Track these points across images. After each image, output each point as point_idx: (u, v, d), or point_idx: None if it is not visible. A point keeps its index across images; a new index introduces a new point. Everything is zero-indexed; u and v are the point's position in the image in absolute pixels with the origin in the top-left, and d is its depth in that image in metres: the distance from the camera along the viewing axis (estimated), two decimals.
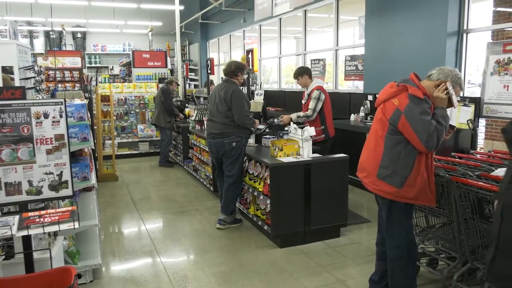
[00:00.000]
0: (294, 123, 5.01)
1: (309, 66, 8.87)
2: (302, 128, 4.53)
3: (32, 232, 2.28)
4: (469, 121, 4.22)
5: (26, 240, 2.39)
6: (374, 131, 2.86)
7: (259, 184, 4.50)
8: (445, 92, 2.70)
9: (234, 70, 4.75)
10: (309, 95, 5.34)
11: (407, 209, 2.82)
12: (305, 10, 9.18)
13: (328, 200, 4.31)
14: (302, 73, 5.39)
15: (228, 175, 4.76)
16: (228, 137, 4.64)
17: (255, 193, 4.58)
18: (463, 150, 4.14)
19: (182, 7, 11.57)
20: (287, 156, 4.35)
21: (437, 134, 2.59)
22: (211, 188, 6.23)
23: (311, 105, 5.19)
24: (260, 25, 11.28)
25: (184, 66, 14.16)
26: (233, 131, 4.64)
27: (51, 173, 2.79)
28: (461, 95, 3.24)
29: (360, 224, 4.85)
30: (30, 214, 2.48)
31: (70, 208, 2.59)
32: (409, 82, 2.72)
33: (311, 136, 4.43)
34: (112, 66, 17.13)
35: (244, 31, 12.47)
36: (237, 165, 4.71)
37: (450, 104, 2.77)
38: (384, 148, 2.74)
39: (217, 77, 13.95)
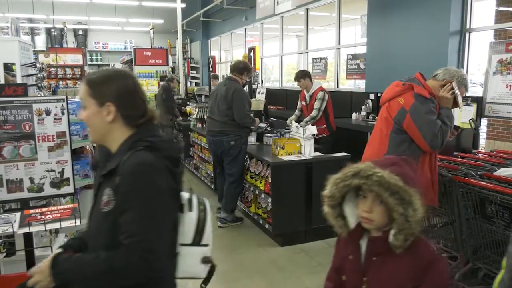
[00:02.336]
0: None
1: (311, 65, 8.88)
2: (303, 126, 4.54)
3: (33, 229, 2.28)
4: (471, 120, 4.21)
5: (28, 237, 2.38)
6: (378, 129, 2.86)
7: (261, 182, 4.49)
8: (451, 92, 2.69)
9: (242, 68, 4.76)
10: (311, 96, 5.66)
11: None
12: (307, 9, 9.16)
13: None
14: (304, 75, 5.74)
15: (228, 173, 4.76)
16: (227, 135, 4.64)
17: (256, 192, 4.57)
18: (465, 149, 4.13)
19: (183, 5, 11.56)
20: (289, 154, 4.35)
21: (442, 134, 2.59)
22: (212, 187, 6.22)
23: (317, 105, 5.54)
24: (261, 24, 11.26)
25: (186, 64, 14.14)
26: (233, 130, 4.64)
27: (52, 170, 2.79)
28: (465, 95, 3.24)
29: None
30: (32, 211, 2.48)
31: (71, 205, 2.59)
32: (415, 81, 2.71)
33: (313, 135, 4.43)
34: (114, 64, 17.09)
35: (245, 29, 12.45)
36: (237, 163, 4.70)
37: (455, 104, 2.76)
38: (388, 146, 2.74)
39: (218, 76, 13.93)
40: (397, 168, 1.33)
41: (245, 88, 7.60)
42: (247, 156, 4.87)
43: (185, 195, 1.49)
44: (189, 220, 1.45)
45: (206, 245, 1.47)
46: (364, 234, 1.42)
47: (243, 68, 4.76)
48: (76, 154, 3.64)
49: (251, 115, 4.82)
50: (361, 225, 1.40)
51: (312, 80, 5.87)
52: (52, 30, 15.94)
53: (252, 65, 8.88)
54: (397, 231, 1.30)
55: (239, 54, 12.75)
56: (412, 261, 1.33)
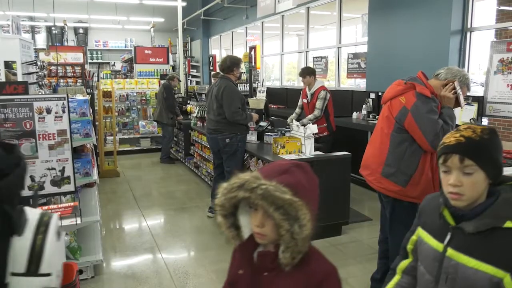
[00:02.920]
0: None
1: (312, 64, 8.88)
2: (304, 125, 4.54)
3: None
4: (472, 120, 4.21)
5: None
6: (379, 128, 2.85)
7: None
8: (453, 91, 2.68)
9: (230, 65, 4.77)
10: (313, 94, 5.67)
11: (410, 208, 2.80)
12: (308, 8, 9.15)
13: (330, 197, 4.30)
14: (311, 73, 5.76)
15: (227, 170, 4.80)
16: (221, 133, 4.70)
17: None
18: None
19: (184, 4, 11.55)
20: (289, 153, 4.35)
21: (443, 134, 2.58)
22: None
23: (319, 104, 5.54)
24: (262, 22, 11.25)
25: (186, 62, 14.14)
26: (226, 128, 4.67)
27: (53, 168, 2.79)
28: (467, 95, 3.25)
29: (362, 222, 4.84)
30: None
31: (72, 203, 2.59)
32: (417, 81, 2.70)
33: (313, 134, 4.43)
34: (114, 62, 17.08)
35: (246, 28, 12.44)
36: (235, 161, 4.73)
37: (457, 104, 2.75)
38: (390, 146, 2.73)
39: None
40: (288, 177, 1.21)
41: (243, 85, 7.74)
42: (247, 155, 4.87)
43: (28, 213, 1.24)
44: (20, 245, 1.19)
45: (47, 275, 1.21)
46: (259, 246, 1.29)
47: (231, 66, 4.78)
48: (77, 152, 3.65)
49: (247, 112, 4.84)
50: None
51: (316, 78, 5.88)
52: (53, 28, 15.93)
53: (253, 64, 8.87)
54: (284, 249, 1.19)
55: (239, 53, 12.74)
56: (304, 278, 1.23)
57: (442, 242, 1.38)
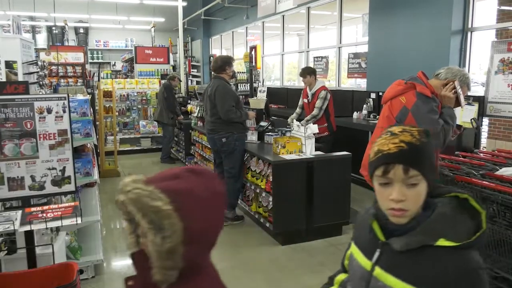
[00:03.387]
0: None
1: (312, 64, 8.88)
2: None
3: (34, 227, 2.28)
4: (472, 120, 4.21)
5: (29, 235, 2.39)
6: (380, 128, 2.86)
7: (262, 181, 4.49)
8: (453, 91, 2.69)
9: (221, 65, 4.79)
10: (314, 94, 5.64)
11: None
12: (309, 7, 9.14)
13: (330, 197, 4.30)
14: (311, 73, 5.72)
15: (226, 169, 4.83)
16: (217, 133, 4.73)
17: (257, 190, 4.57)
18: (467, 149, 4.13)
19: (185, 3, 11.54)
20: (290, 153, 4.34)
21: (444, 133, 2.58)
22: None
23: (318, 104, 5.50)
24: (263, 22, 11.25)
25: (187, 62, 14.14)
26: (222, 127, 4.70)
27: (54, 168, 2.79)
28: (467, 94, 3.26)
29: None
30: (33, 209, 2.48)
31: (72, 203, 2.59)
32: (417, 80, 2.70)
33: (314, 134, 4.43)
34: (115, 62, 17.08)
35: (246, 28, 12.44)
36: (233, 160, 4.74)
37: (458, 103, 2.76)
38: None
39: None
40: (174, 183, 1.06)
41: (239, 85, 7.73)
42: (248, 155, 4.87)
43: None
44: None
45: None
46: None
47: (222, 65, 4.78)
48: (77, 152, 3.64)
49: (243, 110, 4.85)
50: None
51: (317, 78, 5.86)
52: (53, 28, 15.93)
53: (253, 64, 8.87)
54: (152, 262, 1.03)
55: (240, 53, 12.75)
56: None
57: (370, 260, 1.20)
